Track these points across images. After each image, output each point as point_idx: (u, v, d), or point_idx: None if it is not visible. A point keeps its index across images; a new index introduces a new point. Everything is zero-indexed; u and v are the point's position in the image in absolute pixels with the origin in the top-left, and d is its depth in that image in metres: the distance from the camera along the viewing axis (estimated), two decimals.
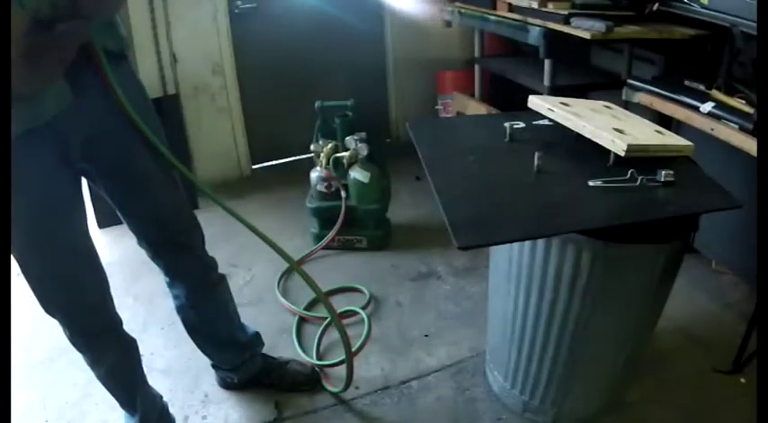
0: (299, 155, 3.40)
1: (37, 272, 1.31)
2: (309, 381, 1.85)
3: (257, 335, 1.83)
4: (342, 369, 1.92)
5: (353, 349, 1.96)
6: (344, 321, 2.17)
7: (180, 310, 1.64)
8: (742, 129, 1.72)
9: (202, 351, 1.76)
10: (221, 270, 1.66)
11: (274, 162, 3.56)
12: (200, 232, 1.56)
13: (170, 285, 1.60)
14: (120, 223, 1.46)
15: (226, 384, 1.86)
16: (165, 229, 1.46)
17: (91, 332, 1.43)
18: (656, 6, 2.25)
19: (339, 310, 2.18)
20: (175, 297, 1.62)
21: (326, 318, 2.16)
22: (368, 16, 3.43)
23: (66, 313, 1.39)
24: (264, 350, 1.91)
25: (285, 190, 3.21)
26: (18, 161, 1.12)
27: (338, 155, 2.53)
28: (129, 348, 1.56)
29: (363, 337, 1.96)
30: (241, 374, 1.81)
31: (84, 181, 1.35)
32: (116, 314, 1.49)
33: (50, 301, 1.37)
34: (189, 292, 1.60)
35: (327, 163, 2.53)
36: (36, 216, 1.22)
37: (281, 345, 2.07)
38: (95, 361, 1.49)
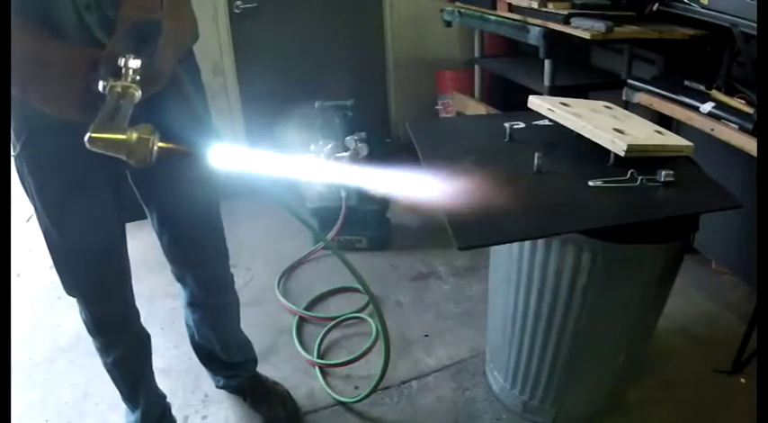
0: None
1: (60, 250, 1.31)
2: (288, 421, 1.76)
3: (250, 361, 1.79)
4: (343, 370, 1.93)
5: (362, 351, 1.97)
6: (346, 322, 2.18)
7: (185, 307, 1.65)
8: (742, 129, 1.72)
9: (193, 350, 1.76)
10: None
11: None
12: (218, 250, 1.53)
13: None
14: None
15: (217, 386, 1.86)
16: (182, 237, 1.44)
17: (106, 318, 1.43)
18: (656, 6, 2.25)
19: (342, 315, 2.19)
20: (182, 296, 1.62)
21: (331, 318, 2.18)
22: (368, 16, 3.43)
23: (85, 295, 1.39)
24: (264, 350, 1.91)
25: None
26: (53, 143, 1.15)
27: (338, 155, 2.52)
28: (141, 341, 1.55)
29: (382, 338, 1.78)
30: (222, 384, 1.81)
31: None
32: (134, 306, 1.49)
33: (71, 281, 1.36)
34: (189, 304, 1.61)
35: None
36: (65, 194, 1.22)
37: (281, 345, 2.07)
38: (105, 348, 1.49)
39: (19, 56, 0.98)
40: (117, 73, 0.95)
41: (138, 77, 0.96)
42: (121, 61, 0.95)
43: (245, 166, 0.98)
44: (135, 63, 0.95)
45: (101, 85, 0.96)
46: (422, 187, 1.11)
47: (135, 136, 0.89)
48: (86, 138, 0.88)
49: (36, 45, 0.99)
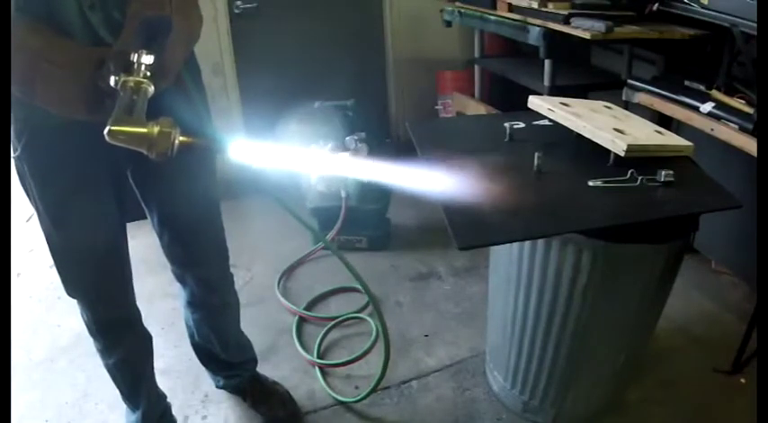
0: None
1: (61, 251, 1.31)
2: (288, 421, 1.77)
3: (250, 361, 1.79)
4: (343, 370, 1.93)
5: (362, 351, 1.97)
6: (346, 322, 2.18)
7: (185, 307, 1.64)
8: (742, 129, 1.72)
9: (193, 350, 1.76)
10: None
11: None
12: (218, 250, 1.53)
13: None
14: None
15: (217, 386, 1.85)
16: (182, 236, 1.44)
17: (108, 320, 1.43)
18: (656, 6, 2.24)
19: (342, 315, 2.19)
20: (182, 296, 1.62)
21: (331, 318, 2.18)
22: (368, 16, 3.43)
23: (86, 296, 1.39)
24: (264, 350, 1.91)
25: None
26: (54, 144, 1.15)
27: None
28: (143, 343, 1.55)
29: (382, 338, 1.76)
30: (222, 384, 1.81)
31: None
32: (136, 307, 1.48)
33: (71, 282, 1.36)
34: (189, 303, 1.61)
35: None
36: (66, 195, 1.22)
37: (281, 345, 2.07)
38: (107, 349, 1.48)
39: (23, 55, 0.97)
40: (128, 68, 0.95)
41: (149, 73, 0.96)
42: (134, 57, 0.95)
43: (260, 159, 0.99)
44: (148, 59, 0.95)
45: (112, 80, 0.95)
46: (423, 179, 1.13)
47: (156, 129, 0.89)
48: (106, 131, 0.88)
49: (41, 44, 0.99)
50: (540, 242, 1.38)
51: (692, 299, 2.20)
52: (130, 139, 0.89)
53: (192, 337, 1.70)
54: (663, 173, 1.30)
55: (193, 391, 1.88)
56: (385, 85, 3.66)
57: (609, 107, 1.68)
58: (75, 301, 1.40)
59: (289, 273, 2.50)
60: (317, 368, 1.94)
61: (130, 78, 0.94)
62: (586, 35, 2.14)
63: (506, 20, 2.60)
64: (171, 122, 0.91)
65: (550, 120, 1.55)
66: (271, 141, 1.01)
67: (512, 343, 1.61)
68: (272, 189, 1.34)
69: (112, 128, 0.88)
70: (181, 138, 0.92)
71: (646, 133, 1.49)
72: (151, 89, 0.96)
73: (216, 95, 3.20)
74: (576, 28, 2.20)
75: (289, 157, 1.02)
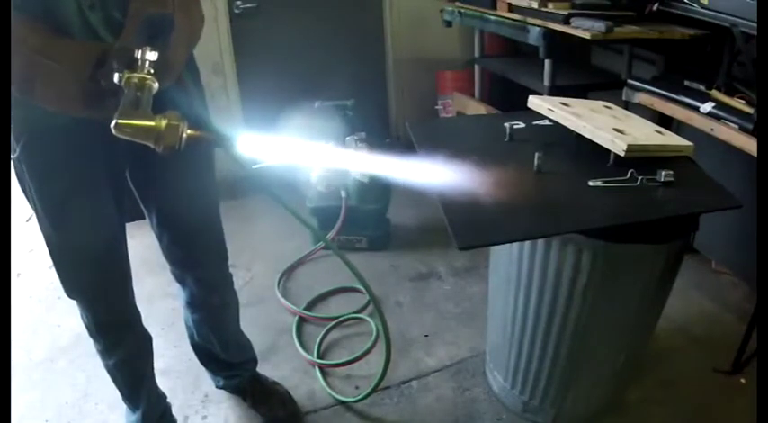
0: None
1: (60, 252, 1.30)
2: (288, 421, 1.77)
3: (250, 361, 1.79)
4: (343, 370, 1.93)
5: (362, 351, 1.97)
6: (346, 323, 2.18)
7: (184, 308, 1.64)
8: (742, 129, 1.72)
9: (193, 350, 1.76)
10: None
11: None
12: (217, 250, 1.53)
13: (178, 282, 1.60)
14: None
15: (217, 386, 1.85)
16: (181, 237, 1.44)
17: (108, 320, 1.42)
18: (656, 6, 2.24)
19: (342, 315, 2.19)
20: (182, 296, 1.62)
21: (331, 318, 2.18)
22: (368, 16, 3.43)
23: (85, 298, 1.38)
24: (264, 350, 1.90)
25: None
26: (53, 145, 1.15)
27: None
28: (143, 343, 1.55)
29: (383, 338, 1.73)
30: (222, 384, 1.81)
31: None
32: (135, 308, 1.48)
33: (71, 283, 1.35)
34: (188, 304, 1.60)
35: None
36: (66, 196, 1.22)
37: (281, 345, 2.07)
38: (107, 350, 1.48)
39: (23, 53, 0.97)
40: (132, 65, 0.95)
41: (152, 70, 0.96)
42: (137, 53, 0.95)
43: (267, 152, 0.99)
44: (152, 55, 0.96)
45: (116, 76, 0.95)
46: (423, 179, 1.13)
47: (164, 123, 0.90)
48: (113, 124, 0.89)
49: (40, 43, 0.99)
50: (540, 242, 1.38)
51: (692, 299, 2.20)
52: (137, 131, 0.90)
53: (191, 337, 1.70)
54: (663, 173, 1.30)
55: (193, 391, 1.88)
56: (385, 85, 3.66)
57: (609, 107, 1.68)
58: (75, 302, 1.40)
59: (289, 273, 2.50)
60: (317, 368, 1.94)
61: (135, 75, 0.95)
62: (586, 35, 2.14)
63: (506, 20, 2.60)
64: (178, 116, 0.92)
65: (550, 120, 1.55)
66: (276, 135, 1.01)
67: (512, 343, 1.61)
68: (272, 188, 1.34)
69: (119, 121, 0.89)
70: (189, 131, 0.92)
71: (646, 133, 1.49)
72: (156, 85, 0.96)
73: (216, 95, 3.20)
74: (576, 28, 2.20)
75: (295, 150, 1.03)
